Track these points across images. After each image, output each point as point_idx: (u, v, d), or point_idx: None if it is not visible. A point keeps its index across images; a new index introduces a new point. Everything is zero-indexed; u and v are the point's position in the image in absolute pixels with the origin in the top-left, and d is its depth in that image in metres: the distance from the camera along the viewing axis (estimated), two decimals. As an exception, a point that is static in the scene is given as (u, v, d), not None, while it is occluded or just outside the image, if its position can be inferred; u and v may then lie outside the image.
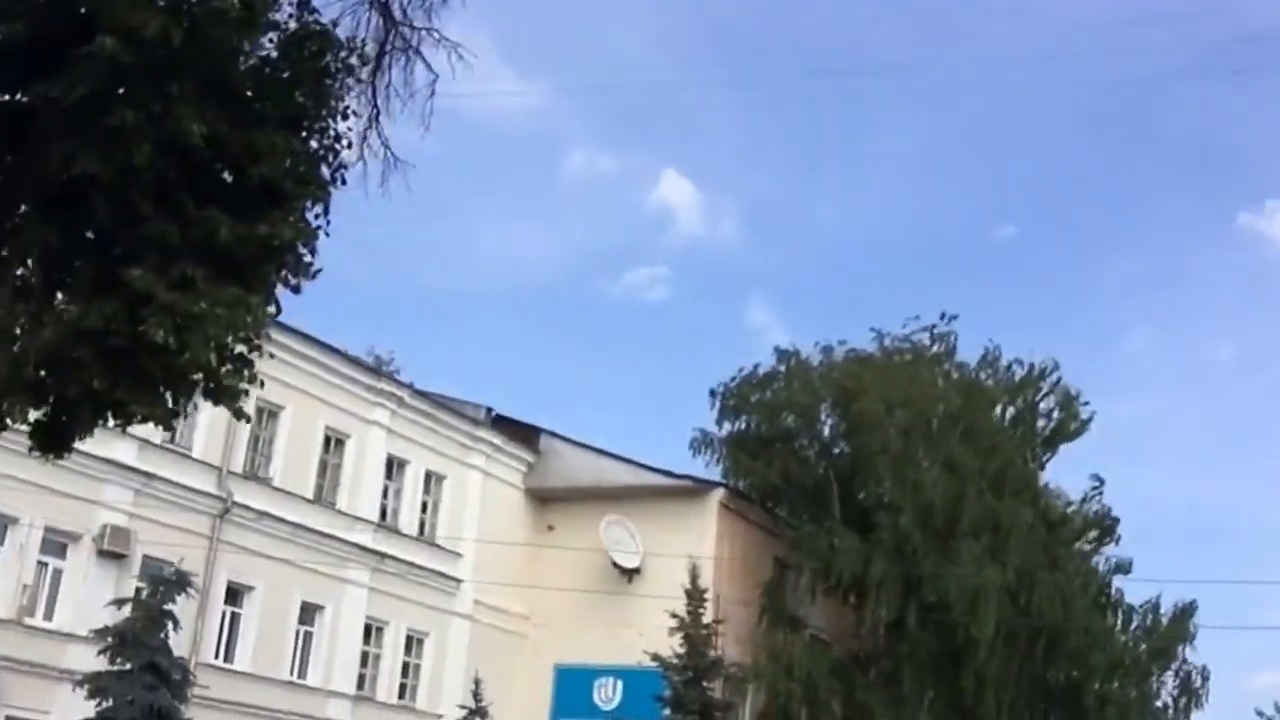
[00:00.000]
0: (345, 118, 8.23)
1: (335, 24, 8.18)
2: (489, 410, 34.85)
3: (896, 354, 37.31)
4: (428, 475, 32.84)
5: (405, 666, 31.74)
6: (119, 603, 22.41)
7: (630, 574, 33.55)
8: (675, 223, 79.24)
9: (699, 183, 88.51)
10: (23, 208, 7.58)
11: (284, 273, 7.94)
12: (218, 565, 26.93)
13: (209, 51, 7.19)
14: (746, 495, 35.83)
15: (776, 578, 35.08)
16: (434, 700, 31.73)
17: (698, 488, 34.35)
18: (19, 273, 7.67)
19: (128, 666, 20.98)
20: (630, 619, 31.57)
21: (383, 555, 30.92)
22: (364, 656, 30.55)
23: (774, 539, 35.46)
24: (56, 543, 24.55)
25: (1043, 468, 37.96)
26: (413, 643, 31.95)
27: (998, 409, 37.35)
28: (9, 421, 7.77)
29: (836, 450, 36.98)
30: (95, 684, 20.88)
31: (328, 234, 8.09)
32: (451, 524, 33.06)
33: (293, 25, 7.88)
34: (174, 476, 26.42)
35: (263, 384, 8.16)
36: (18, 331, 7.44)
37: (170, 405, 7.90)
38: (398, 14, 8.84)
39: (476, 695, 27.64)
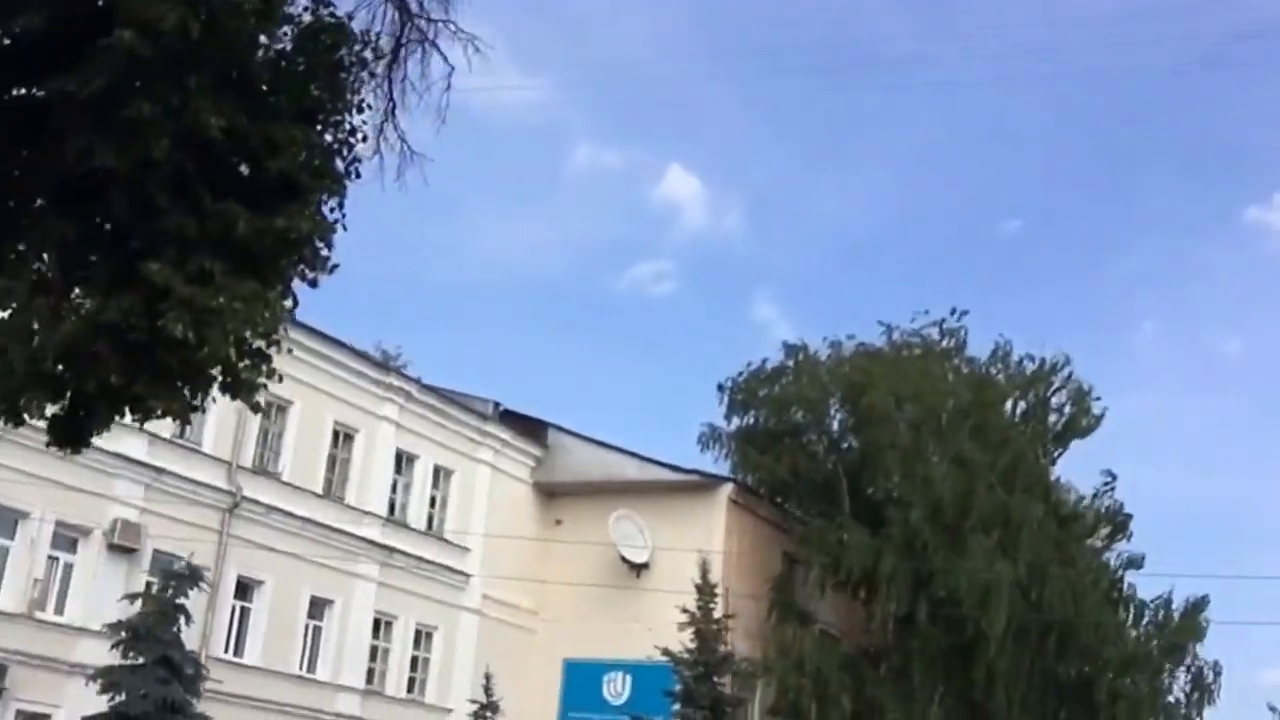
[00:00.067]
0: (360, 111, 8.17)
1: (351, 17, 8.13)
2: (497, 405, 34.87)
3: (905, 348, 37.27)
4: (436, 470, 32.86)
5: (414, 661, 31.82)
6: (131, 597, 22.47)
7: (639, 569, 33.56)
8: (680, 217, 79.22)
9: (704, 177, 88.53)
10: (40, 201, 7.54)
11: (301, 267, 7.89)
12: (227, 560, 27.00)
13: (226, 44, 7.15)
14: (755, 490, 35.80)
15: (786, 573, 35.06)
16: (443, 694, 31.79)
17: (707, 482, 34.34)
18: (36, 267, 7.62)
19: (140, 661, 21.03)
20: (639, 614, 31.60)
21: (392, 550, 30.96)
22: (373, 650, 30.63)
23: (783, 534, 35.45)
24: (67, 537, 24.61)
25: (1054, 463, 37.86)
26: (421, 637, 32.01)
27: (1008, 404, 37.29)
28: (27, 417, 7.74)
29: (846, 445, 36.96)
30: (108, 678, 20.93)
31: (344, 228, 8.06)
32: (460, 518, 33.11)
33: (308, 18, 7.84)
34: (184, 471, 26.49)
35: (281, 379, 8.12)
36: (35, 326, 7.39)
37: (188, 400, 7.86)
38: (414, 6, 8.79)
39: (488, 690, 27.67)
